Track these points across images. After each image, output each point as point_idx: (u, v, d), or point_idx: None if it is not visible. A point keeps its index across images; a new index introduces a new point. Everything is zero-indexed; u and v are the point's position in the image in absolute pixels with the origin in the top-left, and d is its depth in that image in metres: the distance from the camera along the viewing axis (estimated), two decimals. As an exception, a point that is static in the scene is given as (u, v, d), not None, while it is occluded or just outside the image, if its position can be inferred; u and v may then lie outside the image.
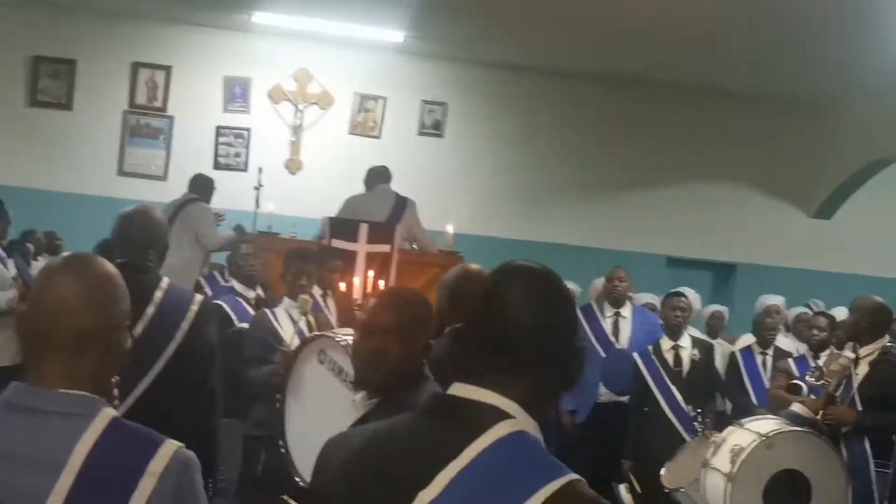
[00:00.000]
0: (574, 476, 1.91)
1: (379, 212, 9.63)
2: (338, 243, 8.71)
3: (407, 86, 13.54)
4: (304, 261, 7.01)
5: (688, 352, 8.17)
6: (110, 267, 2.44)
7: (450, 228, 9.75)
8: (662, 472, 7.22)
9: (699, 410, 7.62)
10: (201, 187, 10.78)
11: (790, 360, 8.21)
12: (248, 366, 6.39)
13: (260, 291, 8.20)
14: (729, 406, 8.95)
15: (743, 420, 6.97)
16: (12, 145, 12.64)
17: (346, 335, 5.54)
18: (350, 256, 8.55)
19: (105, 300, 2.38)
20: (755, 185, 14.56)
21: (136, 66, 12.98)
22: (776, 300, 9.30)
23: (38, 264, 9.68)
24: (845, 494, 6.35)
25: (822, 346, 8.11)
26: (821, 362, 7.41)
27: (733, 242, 14.40)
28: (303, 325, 6.45)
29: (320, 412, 5.49)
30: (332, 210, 9.90)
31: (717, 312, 10.55)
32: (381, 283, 7.43)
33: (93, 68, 12.85)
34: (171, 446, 2.31)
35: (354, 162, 11.85)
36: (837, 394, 6.68)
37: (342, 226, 9.04)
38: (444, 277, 4.86)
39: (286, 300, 6.81)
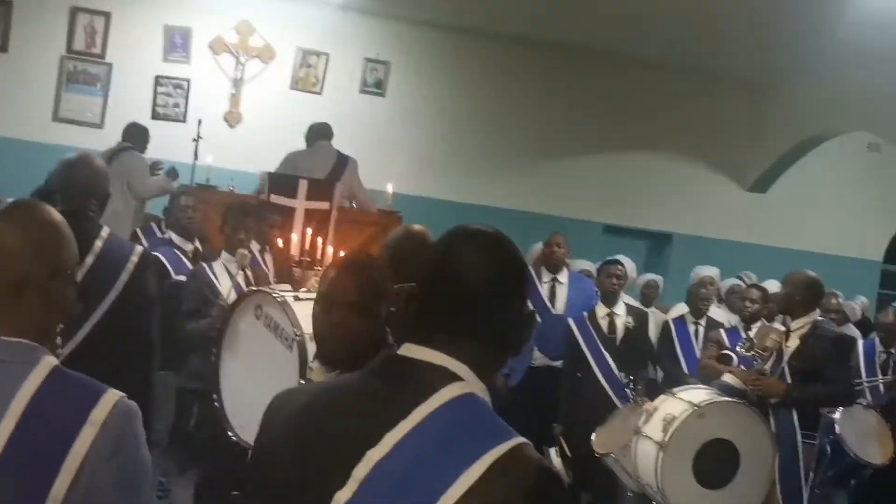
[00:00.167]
0: (521, 439, 1.93)
1: (320, 169, 9.58)
2: (277, 199, 8.66)
3: (350, 43, 13.42)
4: (243, 215, 6.95)
5: (622, 319, 8.24)
6: (56, 215, 2.41)
7: (389, 188, 9.72)
8: (593, 437, 7.30)
9: (631, 377, 7.71)
10: (135, 136, 10.67)
11: (722, 331, 8.29)
12: (184, 319, 6.35)
13: (198, 244, 8.13)
14: (660, 374, 9.03)
15: (675, 389, 7.05)
16: (-57, 87, 12.38)
17: (284, 291, 5.53)
18: (289, 212, 8.51)
19: (47, 247, 2.35)
20: (693, 157, 14.68)
21: (74, 11, 12.71)
22: (711, 271, 9.38)
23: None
24: (772, 464, 6.47)
25: (753, 318, 8.21)
26: (752, 334, 7.52)
27: (670, 213, 14.52)
28: (241, 279, 6.42)
29: (255, 367, 5.49)
30: (272, 164, 9.84)
31: (652, 281, 10.63)
32: (319, 241, 7.39)
33: (30, 11, 12.56)
34: (113, 396, 2.29)
35: (295, 117, 11.77)
36: (767, 366, 6.78)
37: (281, 181, 8.98)
38: (387, 238, 4.85)
39: (224, 254, 6.76)
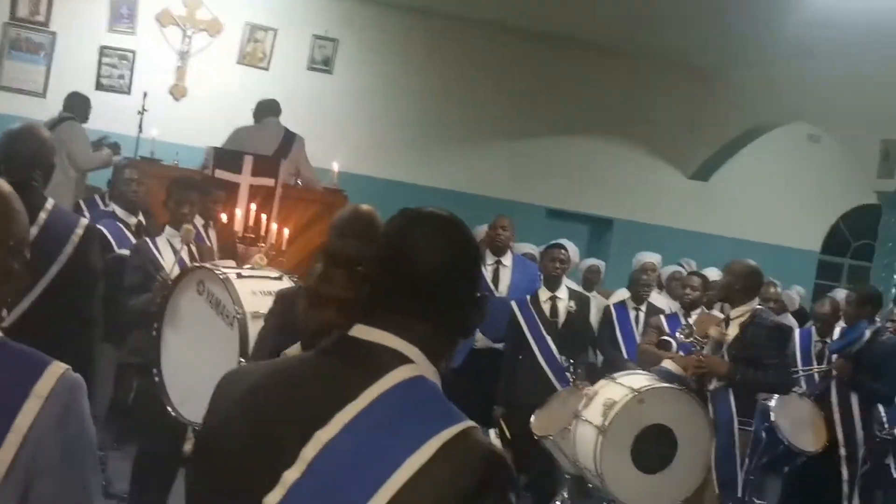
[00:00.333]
0: (470, 423, 1.93)
1: (267, 145, 9.55)
2: (221, 174, 8.61)
3: (299, 19, 13.35)
4: (188, 189, 6.88)
5: (564, 303, 8.28)
6: (6, 186, 2.37)
7: (335, 166, 9.69)
8: (532, 419, 7.35)
9: (571, 361, 7.74)
10: (77, 106, 10.55)
11: (662, 317, 8.36)
12: (127, 294, 6.29)
13: (141, 218, 8.05)
14: (600, 358, 9.11)
15: (615, 374, 7.13)
16: None
17: (227, 267, 5.51)
18: (233, 188, 8.47)
19: (-4, 219, 2.31)
20: (636, 143, 14.78)
21: (18, -23, 12.56)
22: (652, 257, 9.45)
23: None
24: (708, 449, 6.56)
25: (693, 305, 8.31)
26: (692, 320, 7.61)
27: (612, 198, 14.62)
28: (184, 254, 6.37)
29: (196, 343, 5.47)
30: (217, 139, 9.78)
31: (594, 266, 10.67)
32: (264, 217, 7.35)
33: (-27, -24, 12.41)
34: (58, 368, 2.26)
35: (241, 92, 11.72)
36: (705, 352, 6.86)
37: (226, 156, 8.93)
38: (334, 217, 4.84)
39: (168, 229, 6.69)
